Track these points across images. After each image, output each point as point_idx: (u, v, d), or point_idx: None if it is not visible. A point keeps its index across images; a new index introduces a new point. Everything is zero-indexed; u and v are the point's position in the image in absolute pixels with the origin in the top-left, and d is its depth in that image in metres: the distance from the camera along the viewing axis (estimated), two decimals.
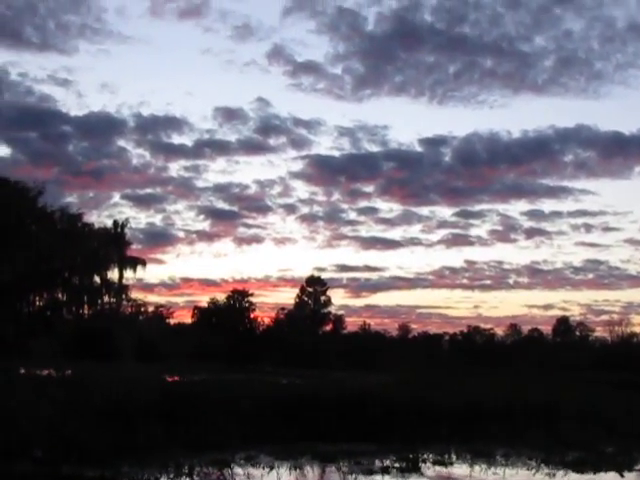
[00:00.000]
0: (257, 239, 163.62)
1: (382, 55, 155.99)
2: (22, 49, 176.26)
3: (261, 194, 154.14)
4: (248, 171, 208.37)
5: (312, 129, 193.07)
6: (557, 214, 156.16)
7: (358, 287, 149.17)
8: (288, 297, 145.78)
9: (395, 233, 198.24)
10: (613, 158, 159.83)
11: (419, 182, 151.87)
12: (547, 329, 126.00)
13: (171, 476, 18.76)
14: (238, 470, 20.18)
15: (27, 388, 27.28)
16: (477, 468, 21.97)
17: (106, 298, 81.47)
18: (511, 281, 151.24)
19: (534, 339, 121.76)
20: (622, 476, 21.77)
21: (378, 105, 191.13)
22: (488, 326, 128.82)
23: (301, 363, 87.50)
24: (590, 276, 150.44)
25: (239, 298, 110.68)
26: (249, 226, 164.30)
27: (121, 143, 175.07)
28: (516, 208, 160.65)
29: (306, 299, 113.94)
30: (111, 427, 21.86)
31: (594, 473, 21.91)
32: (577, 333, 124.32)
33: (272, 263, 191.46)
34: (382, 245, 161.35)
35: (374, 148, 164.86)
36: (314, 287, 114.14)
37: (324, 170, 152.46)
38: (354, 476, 20.03)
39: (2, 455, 18.84)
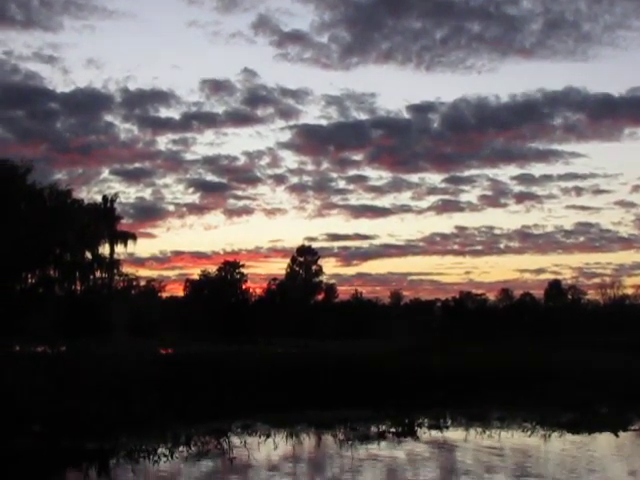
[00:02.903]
0: (247, 210, 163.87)
1: (368, 22, 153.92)
2: (6, 27, 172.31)
3: (250, 165, 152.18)
4: (236, 143, 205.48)
5: (299, 99, 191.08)
6: (547, 178, 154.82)
7: (349, 256, 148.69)
8: (279, 267, 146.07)
9: (385, 201, 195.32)
10: (603, 120, 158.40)
11: (408, 149, 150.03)
12: (539, 293, 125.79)
13: (169, 446, 18.87)
14: (235, 439, 20.31)
15: (23, 365, 27.31)
16: (472, 432, 22.19)
17: (98, 273, 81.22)
18: (502, 246, 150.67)
19: (526, 303, 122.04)
20: (617, 436, 22.02)
21: (365, 73, 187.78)
22: (480, 291, 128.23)
23: (294, 333, 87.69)
24: (581, 239, 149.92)
25: (230, 270, 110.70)
26: (239, 198, 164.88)
27: (108, 118, 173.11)
28: (506, 173, 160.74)
29: (297, 269, 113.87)
30: (108, 399, 21.96)
31: (589, 434, 22.15)
32: (569, 296, 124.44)
33: (263, 234, 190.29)
34: (372, 213, 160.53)
35: (362, 116, 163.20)
36: (305, 257, 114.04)
37: (312, 139, 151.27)
38: (350, 442, 20.19)
39: (1, 430, 18.93)
